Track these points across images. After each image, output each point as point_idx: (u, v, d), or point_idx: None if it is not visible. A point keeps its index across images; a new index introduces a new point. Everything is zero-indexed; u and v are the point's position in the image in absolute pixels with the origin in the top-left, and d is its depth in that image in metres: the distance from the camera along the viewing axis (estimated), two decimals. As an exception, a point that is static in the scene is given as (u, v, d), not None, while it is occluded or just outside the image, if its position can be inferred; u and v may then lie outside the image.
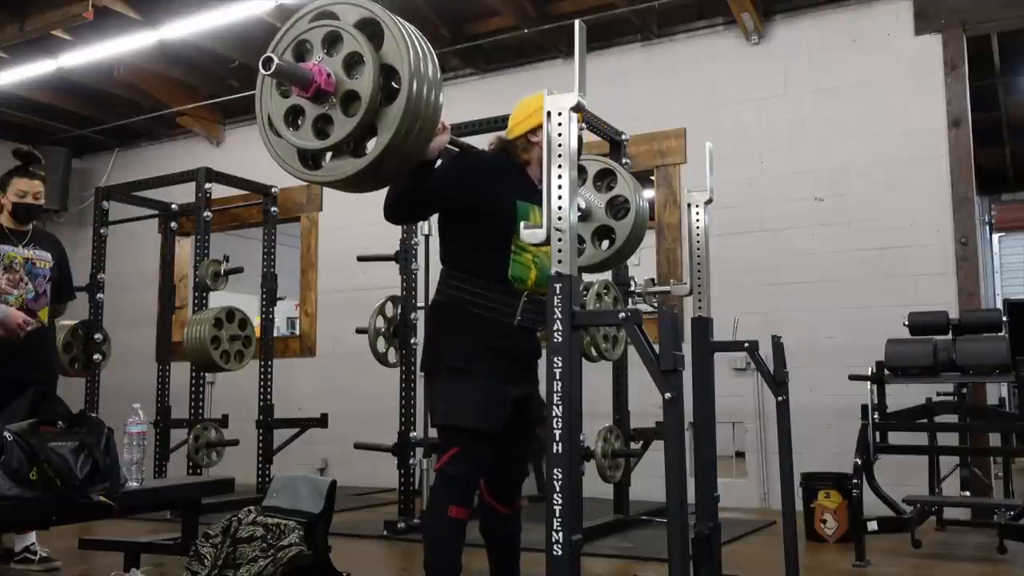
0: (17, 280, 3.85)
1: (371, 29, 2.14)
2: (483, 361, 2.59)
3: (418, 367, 3.12)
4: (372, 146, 2.16)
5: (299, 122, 2.21)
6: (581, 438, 2.08)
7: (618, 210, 3.37)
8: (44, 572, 3.84)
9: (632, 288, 5.00)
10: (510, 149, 2.79)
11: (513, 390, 2.64)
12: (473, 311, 2.62)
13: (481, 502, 2.78)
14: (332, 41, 2.16)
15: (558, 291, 1.81)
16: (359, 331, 5.08)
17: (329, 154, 2.23)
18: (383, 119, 2.12)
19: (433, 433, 3.66)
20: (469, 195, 2.63)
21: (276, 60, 2.05)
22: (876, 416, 4.14)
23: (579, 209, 3.16)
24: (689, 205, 2.82)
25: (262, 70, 2.06)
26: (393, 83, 2.14)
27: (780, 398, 2.91)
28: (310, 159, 2.25)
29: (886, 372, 4.19)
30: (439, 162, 2.59)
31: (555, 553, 1.75)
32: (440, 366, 2.65)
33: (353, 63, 2.14)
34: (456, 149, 2.83)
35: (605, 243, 3.40)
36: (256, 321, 5.92)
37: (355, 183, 2.24)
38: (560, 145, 1.85)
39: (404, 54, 2.09)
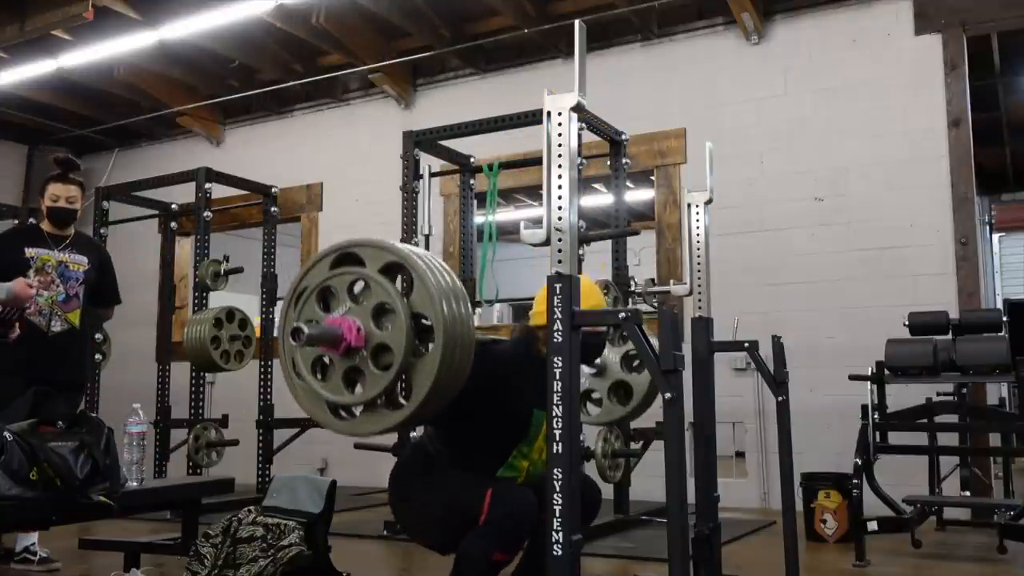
0: (48, 282, 3.89)
1: (395, 272, 2.04)
2: None
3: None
4: (405, 394, 2.04)
5: (327, 373, 2.06)
6: (581, 438, 2.07)
7: (633, 362, 3.19)
8: (44, 572, 3.84)
9: (632, 288, 5.00)
10: (531, 339, 2.67)
11: None
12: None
13: None
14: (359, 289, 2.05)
15: (558, 291, 1.81)
16: (359, 331, 5.06)
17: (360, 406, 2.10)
18: (418, 370, 1.98)
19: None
20: (489, 393, 2.50)
21: (305, 330, 1.92)
22: (876, 416, 4.14)
23: (594, 364, 3.09)
24: (689, 205, 2.82)
25: (291, 342, 1.95)
26: (423, 320, 2.01)
27: (780, 398, 2.91)
28: (341, 410, 2.10)
29: (886, 372, 4.19)
30: None
31: (555, 553, 1.75)
32: (413, 489, 2.65)
33: (382, 312, 2.01)
34: None
35: (622, 397, 3.21)
36: (256, 321, 5.92)
37: (392, 431, 2.14)
38: (560, 145, 1.85)
39: (436, 303, 1.95)
